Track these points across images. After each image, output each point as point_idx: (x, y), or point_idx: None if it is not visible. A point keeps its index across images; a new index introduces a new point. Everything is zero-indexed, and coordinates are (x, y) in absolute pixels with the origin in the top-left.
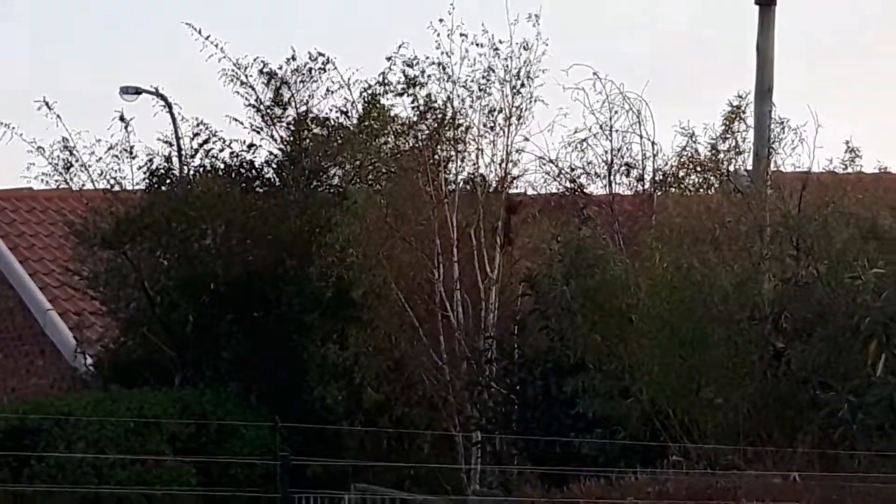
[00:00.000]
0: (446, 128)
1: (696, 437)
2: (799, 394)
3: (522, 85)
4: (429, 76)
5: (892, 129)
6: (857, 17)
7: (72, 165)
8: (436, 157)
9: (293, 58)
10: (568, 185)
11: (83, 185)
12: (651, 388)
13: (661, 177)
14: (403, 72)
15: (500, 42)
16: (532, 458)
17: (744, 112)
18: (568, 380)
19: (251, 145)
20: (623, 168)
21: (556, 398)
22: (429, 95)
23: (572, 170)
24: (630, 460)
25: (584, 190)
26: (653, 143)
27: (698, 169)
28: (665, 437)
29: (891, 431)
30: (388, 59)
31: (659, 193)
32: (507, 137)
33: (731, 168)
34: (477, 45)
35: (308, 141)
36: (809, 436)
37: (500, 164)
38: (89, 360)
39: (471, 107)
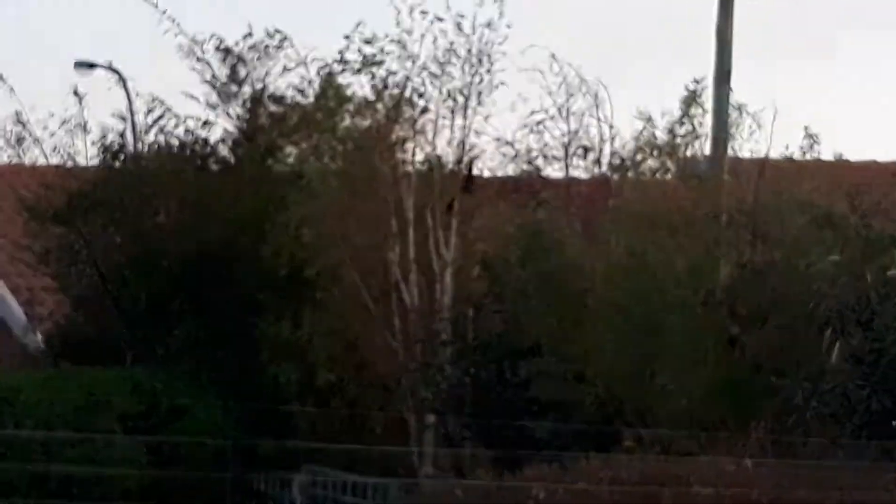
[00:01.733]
0: (404, 107)
1: (650, 423)
2: (753, 380)
3: (482, 65)
4: (387, 53)
5: (851, 116)
6: (818, 3)
7: (24, 139)
8: (393, 136)
9: (250, 34)
10: (525, 167)
11: (36, 159)
12: (605, 372)
13: (618, 161)
14: (360, 49)
15: (463, 17)
16: (485, 442)
17: (700, 97)
18: (522, 363)
19: (206, 122)
20: (580, 151)
21: (510, 382)
22: (387, 74)
23: (529, 152)
24: (583, 445)
25: (541, 173)
26: (610, 127)
27: (655, 153)
28: (619, 422)
29: (844, 419)
30: (347, 37)
31: (616, 177)
32: (466, 118)
33: (689, 153)
34: (438, 19)
35: (264, 119)
36: (763, 422)
37: (457, 145)
38: (40, 337)
39: (431, 84)
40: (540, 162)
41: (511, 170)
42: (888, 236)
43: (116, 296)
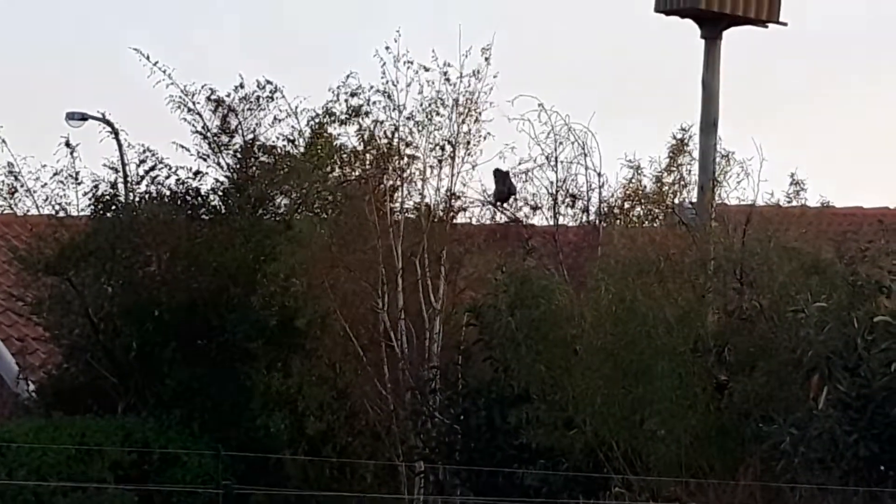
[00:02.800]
0: (392, 157)
1: (639, 469)
2: (741, 426)
3: (470, 115)
4: (373, 103)
5: (836, 163)
6: (800, 53)
7: (16, 190)
8: (381, 186)
9: (241, 85)
10: (513, 215)
11: (28, 210)
12: (595, 419)
13: (606, 208)
14: (347, 101)
15: (450, 66)
16: (475, 489)
17: (688, 145)
18: (512, 410)
19: (197, 172)
20: (568, 199)
21: (500, 429)
22: (374, 124)
23: (516, 201)
24: (573, 492)
25: (530, 221)
26: (598, 175)
27: (643, 201)
28: (608, 469)
29: (832, 465)
30: (334, 89)
31: (604, 225)
32: (454, 167)
33: (676, 201)
34: (425, 69)
35: (254, 169)
36: (751, 468)
37: (446, 194)
38: (32, 387)
39: (419, 133)
40: (528, 210)
41: (500, 218)
42: (874, 282)
43: (108, 345)
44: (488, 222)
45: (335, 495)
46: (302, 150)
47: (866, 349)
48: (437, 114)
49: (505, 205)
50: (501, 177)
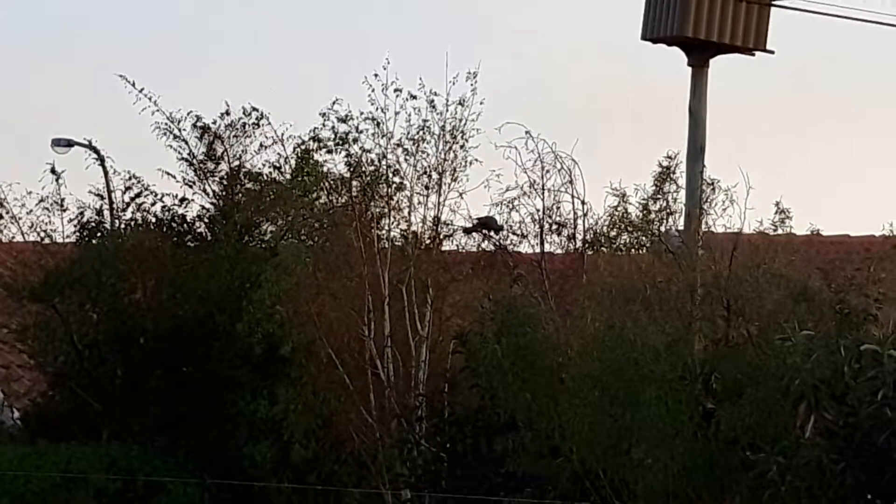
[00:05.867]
0: (379, 184)
1: (626, 498)
2: (728, 455)
3: (456, 142)
4: (361, 131)
5: (823, 191)
6: (788, 79)
7: (1, 217)
8: (368, 213)
9: (227, 112)
10: (498, 243)
11: (13, 237)
12: (581, 447)
13: (592, 236)
14: (334, 129)
15: (436, 94)
16: None
17: (674, 172)
18: (498, 438)
19: (183, 199)
20: (554, 227)
21: (487, 457)
22: (362, 151)
23: (502, 228)
24: None
25: (516, 248)
26: (583, 203)
27: (629, 229)
28: (595, 498)
29: (819, 493)
30: (322, 114)
31: (590, 253)
32: (441, 195)
33: (663, 228)
34: (412, 97)
35: (240, 196)
36: (738, 497)
37: (433, 221)
38: (16, 414)
39: (406, 161)
40: (514, 238)
41: (486, 246)
42: (862, 311)
43: (93, 373)
44: (475, 250)
45: None
46: (288, 176)
47: (853, 377)
48: (424, 141)
49: (491, 233)
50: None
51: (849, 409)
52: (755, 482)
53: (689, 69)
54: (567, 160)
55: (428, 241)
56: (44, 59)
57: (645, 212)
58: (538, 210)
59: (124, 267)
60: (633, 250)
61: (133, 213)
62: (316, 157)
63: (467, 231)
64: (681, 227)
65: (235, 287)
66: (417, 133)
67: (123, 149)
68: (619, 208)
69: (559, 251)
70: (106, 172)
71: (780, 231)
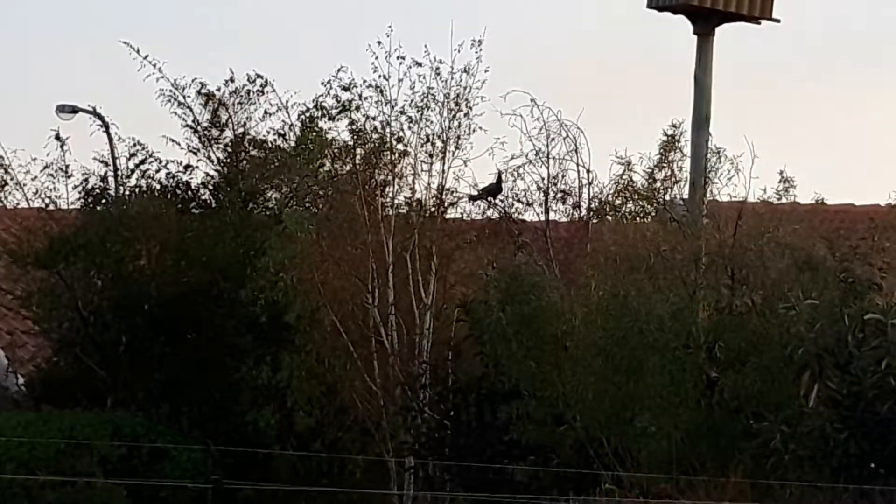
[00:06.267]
0: (383, 152)
1: (630, 466)
2: (732, 423)
3: (461, 110)
4: (365, 99)
5: (827, 160)
6: (793, 49)
7: (6, 184)
8: (372, 180)
9: (231, 79)
10: (503, 211)
11: (17, 203)
12: (585, 415)
13: (597, 204)
14: (337, 97)
15: (441, 63)
16: (465, 485)
17: (679, 141)
18: (502, 406)
19: (188, 166)
20: (559, 195)
21: (490, 424)
22: (365, 119)
23: (507, 197)
24: (563, 488)
25: (521, 217)
26: (588, 171)
27: (634, 197)
28: (598, 465)
29: (822, 462)
30: (326, 83)
31: (595, 221)
32: (445, 162)
33: (667, 197)
34: (417, 64)
35: (245, 163)
36: (742, 465)
37: (437, 189)
38: (21, 380)
39: (410, 129)
40: (519, 206)
41: (490, 214)
42: (866, 280)
43: (97, 339)
44: (479, 218)
45: (324, 491)
46: (292, 144)
47: (857, 347)
48: (428, 108)
49: (497, 199)
50: (498, 176)
51: (852, 378)
52: (759, 451)
53: (695, 38)
54: (572, 128)
55: (432, 209)
56: (47, 25)
57: (650, 180)
58: (543, 178)
59: (129, 234)
60: (637, 219)
61: (137, 179)
62: (320, 124)
63: (472, 199)
64: (686, 196)
65: (240, 254)
66: (421, 101)
67: (128, 115)
68: (624, 177)
69: (564, 219)
70: (110, 139)
71: (784, 200)
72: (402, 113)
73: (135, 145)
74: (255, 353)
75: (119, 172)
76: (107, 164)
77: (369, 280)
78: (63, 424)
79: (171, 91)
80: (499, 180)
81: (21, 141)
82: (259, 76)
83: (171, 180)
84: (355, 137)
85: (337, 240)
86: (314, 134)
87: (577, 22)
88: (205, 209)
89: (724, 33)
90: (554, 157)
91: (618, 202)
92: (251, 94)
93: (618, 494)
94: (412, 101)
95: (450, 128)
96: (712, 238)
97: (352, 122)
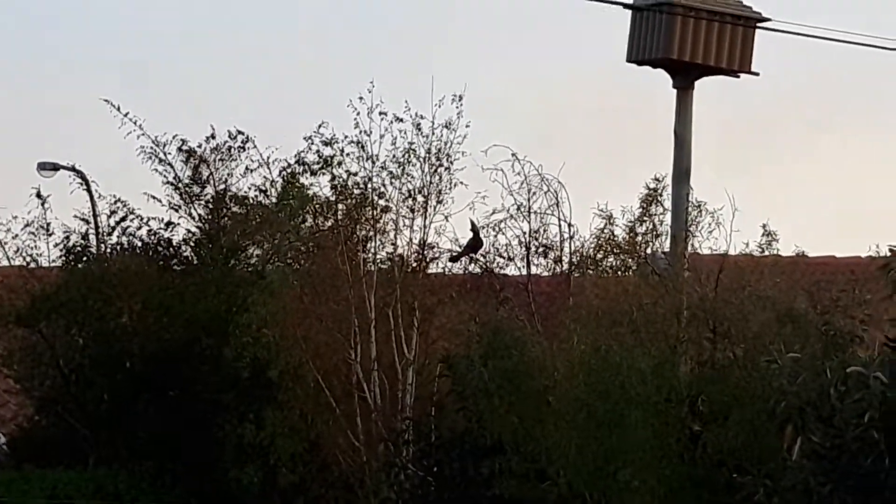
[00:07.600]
0: (365, 207)
1: None
2: (715, 477)
3: (442, 165)
4: (346, 154)
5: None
6: (773, 102)
7: None
8: (354, 236)
9: (213, 136)
10: (485, 266)
11: None
12: (568, 470)
13: (578, 258)
14: (318, 152)
15: (422, 118)
16: None
17: (661, 195)
18: (485, 461)
19: (169, 223)
20: (541, 249)
21: (474, 480)
22: (347, 174)
23: (488, 252)
24: None
25: (502, 271)
26: (570, 225)
27: (616, 251)
28: None
29: None
30: (307, 138)
31: (577, 275)
32: (427, 217)
33: (649, 250)
34: (398, 119)
35: (226, 219)
36: None
37: (419, 244)
38: (3, 439)
39: (391, 184)
40: (500, 261)
41: (472, 268)
42: (848, 332)
43: (79, 397)
44: (461, 273)
45: None
46: (274, 200)
47: (840, 400)
48: (409, 163)
49: (478, 254)
50: (475, 229)
51: (835, 432)
52: None
53: (675, 92)
54: (553, 182)
55: (414, 264)
56: (28, 84)
57: (631, 234)
58: (524, 232)
59: (110, 291)
60: (619, 272)
61: (119, 237)
62: (302, 180)
63: (454, 259)
64: (667, 250)
65: (222, 311)
66: (403, 156)
67: (109, 173)
68: (605, 230)
69: (546, 273)
70: (91, 196)
71: (766, 253)
72: (383, 168)
73: (116, 202)
74: (238, 410)
75: (100, 230)
76: (88, 222)
77: (352, 336)
78: (45, 483)
79: (151, 148)
80: (476, 233)
81: (2, 199)
82: (240, 132)
83: (152, 237)
84: (337, 193)
85: (319, 295)
86: (296, 189)
87: (557, 75)
88: (186, 266)
89: (704, 86)
90: (535, 212)
91: (599, 256)
92: (232, 150)
93: None
94: (394, 156)
95: (431, 182)
96: (694, 292)
97: (333, 178)
